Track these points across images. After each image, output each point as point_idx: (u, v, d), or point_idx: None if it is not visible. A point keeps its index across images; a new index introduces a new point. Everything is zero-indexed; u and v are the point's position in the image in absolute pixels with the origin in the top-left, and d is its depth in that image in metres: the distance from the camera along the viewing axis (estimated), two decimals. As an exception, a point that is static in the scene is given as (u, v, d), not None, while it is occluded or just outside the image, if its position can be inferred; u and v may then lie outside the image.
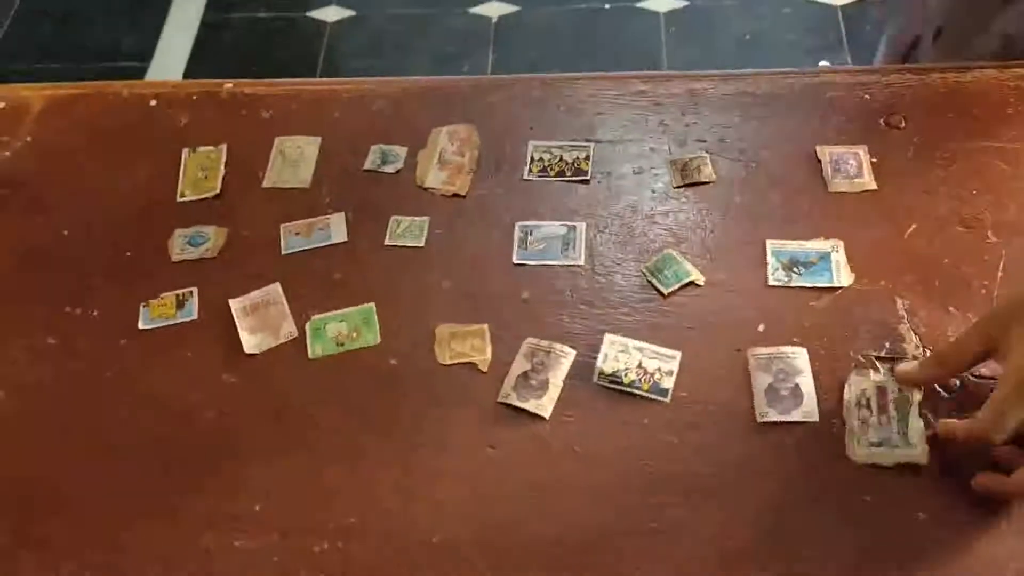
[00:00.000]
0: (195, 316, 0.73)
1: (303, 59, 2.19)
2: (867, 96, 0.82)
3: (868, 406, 0.65)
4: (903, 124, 0.80)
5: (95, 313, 0.74)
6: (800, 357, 0.67)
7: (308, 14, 2.29)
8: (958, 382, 0.66)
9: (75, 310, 0.74)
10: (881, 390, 0.65)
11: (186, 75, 2.17)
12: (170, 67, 2.20)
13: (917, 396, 0.65)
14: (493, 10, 2.24)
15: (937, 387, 0.66)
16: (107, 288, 0.75)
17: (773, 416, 0.65)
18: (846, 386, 0.66)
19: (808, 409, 0.65)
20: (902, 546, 0.60)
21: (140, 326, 0.73)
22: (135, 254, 0.77)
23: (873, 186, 0.76)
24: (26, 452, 0.68)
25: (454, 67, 2.10)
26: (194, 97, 0.88)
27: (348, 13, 2.28)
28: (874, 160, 0.77)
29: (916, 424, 0.64)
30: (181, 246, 0.77)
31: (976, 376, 0.66)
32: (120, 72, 2.21)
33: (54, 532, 0.64)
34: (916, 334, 0.68)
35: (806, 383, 0.66)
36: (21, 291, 0.76)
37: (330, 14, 2.28)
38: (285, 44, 2.26)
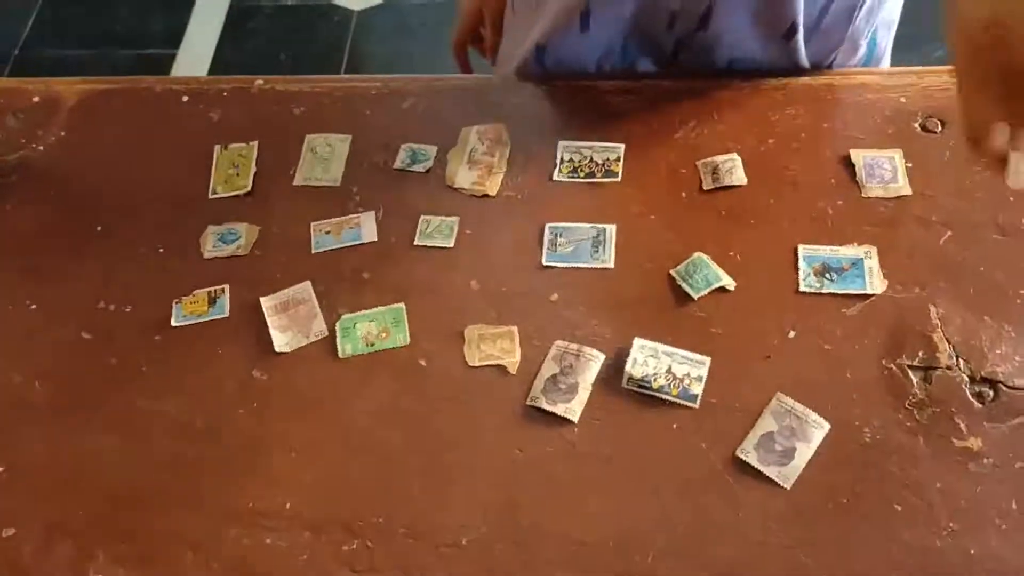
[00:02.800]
0: (227, 313, 0.74)
1: (330, 46, 2.19)
2: (903, 99, 0.81)
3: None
4: (939, 128, 0.79)
5: (128, 309, 0.75)
6: (818, 429, 0.65)
7: (335, 2, 2.29)
8: (992, 392, 0.65)
9: (109, 306, 0.75)
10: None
11: (214, 62, 2.18)
12: (199, 53, 2.21)
13: None
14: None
15: (970, 396, 0.65)
16: (140, 284, 0.76)
17: (752, 460, 0.64)
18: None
19: (787, 474, 0.63)
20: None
21: (172, 323, 0.74)
22: (167, 250, 0.78)
23: (908, 191, 0.75)
24: (60, 442, 0.69)
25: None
26: (225, 93, 0.88)
27: (375, 1, 2.27)
28: (909, 164, 0.76)
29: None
30: (213, 243, 0.78)
31: (1010, 386, 0.65)
32: (148, 59, 2.22)
33: (87, 520, 0.65)
34: (950, 343, 0.68)
35: (803, 455, 0.64)
36: (56, 286, 0.77)
37: (357, 2, 2.28)
38: (312, 31, 2.26)
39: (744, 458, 0.64)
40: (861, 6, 0.81)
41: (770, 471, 0.63)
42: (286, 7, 2.32)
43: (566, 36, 0.85)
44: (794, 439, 0.65)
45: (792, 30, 0.81)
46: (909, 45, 2.14)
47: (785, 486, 0.63)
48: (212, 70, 2.16)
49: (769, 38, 0.82)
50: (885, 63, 0.93)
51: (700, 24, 0.81)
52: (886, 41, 0.91)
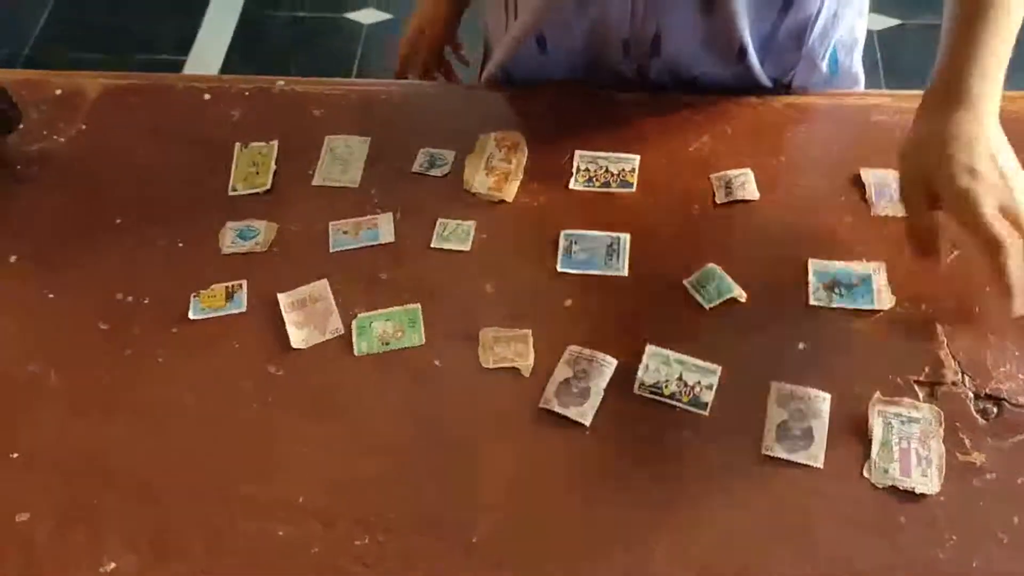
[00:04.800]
0: (244, 308, 0.75)
1: (340, 59, 2.21)
2: (908, 121, 0.82)
3: (891, 432, 0.65)
4: (948, 151, 0.80)
5: (146, 301, 0.76)
6: (823, 401, 0.67)
7: (346, 15, 2.31)
8: (996, 409, 0.67)
9: (127, 298, 0.76)
10: (909, 420, 0.66)
11: (223, 70, 2.20)
12: (208, 61, 2.22)
13: (940, 430, 0.66)
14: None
15: (974, 412, 0.67)
16: (159, 277, 0.77)
17: (779, 452, 0.66)
18: (871, 408, 0.67)
19: (815, 453, 0.65)
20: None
21: (190, 316, 0.74)
22: (186, 245, 0.79)
23: (917, 211, 0.76)
24: (77, 431, 0.69)
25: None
26: (247, 93, 0.90)
27: (384, 16, 2.30)
28: (918, 185, 0.78)
29: (938, 450, 0.65)
30: (232, 239, 0.79)
31: (1014, 403, 0.67)
32: (158, 64, 2.24)
33: (101, 507, 0.65)
34: (956, 360, 0.69)
35: (820, 428, 0.66)
36: (74, 277, 0.78)
37: (367, 16, 2.31)
38: (322, 43, 2.28)
39: (772, 454, 0.65)
40: (813, 26, 0.84)
41: (799, 456, 0.65)
42: (296, 18, 2.34)
43: (526, 57, 0.88)
44: (806, 419, 0.66)
45: (742, 52, 0.83)
46: (911, 80, 2.17)
47: (818, 465, 0.65)
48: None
49: (724, 61, 0.84)
50: (861, 86, 0.96)
51: (652, 50, 0.84)
52: (849, 61, 0.93)
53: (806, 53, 0.86)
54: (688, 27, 0.82)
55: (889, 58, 2.12)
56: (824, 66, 0.89)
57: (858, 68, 0.94)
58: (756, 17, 0.81)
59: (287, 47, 2.26)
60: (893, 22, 2.19)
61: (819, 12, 0.83)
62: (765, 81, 0.86)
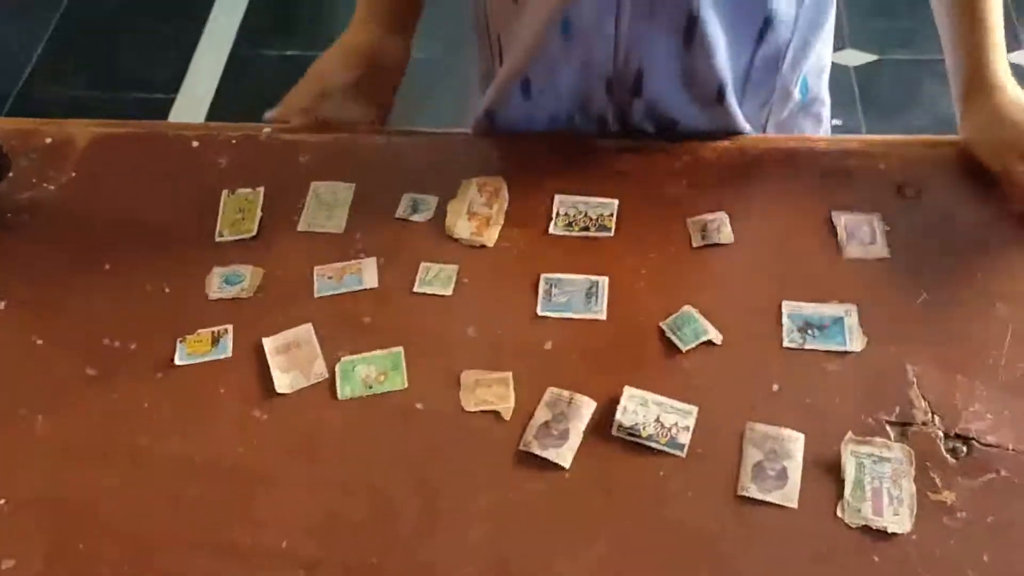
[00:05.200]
0: (229, 353, 0.76)
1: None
2: (882, 165, 0.85)
3: (863, 472, 0.67)
4: (916, 194, 0.83)
5: (133, 347, 0.77)
6: (795, 442, 0.69)
7: (334, 53, 2.34)
8: (965, 448, 0.68)
9: (114, 343, 0.77)
10: (880, 459, 0.68)
11: (212, 107, 2.22)
12: (198, 98, 2.25)
13: (911, 469, 0.67)
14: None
15: (944, 452, 0.68)
16: (145, 322, 0.78)
17: (755, 493, 0.67)
18: (843, 448, 0.68)
19: (789, 494, 0.67)
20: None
21: (176, 361, 0.76)
22: (173, 290, 0.80)
23: (886, 254, 0.79)
24: (64, 477, 0.70)
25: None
26: (234, 140, 0.91)
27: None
28: (888, 228, 0.80)
29: (909, 490, 0.66)
30: (218, 284, 0.80)
31: (983, 443, 0.68)
32: (148, 102, 2.26)
33: (87, 554, 0.66)
34: (925, 400, 0.71)
35: (794, 469, 0.68)
36: (63, 323, 0.79)
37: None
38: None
39: (747, 494, 0.67)
40: (784, 56, 0.87)
41: (774, 497, 0.66)
42: (285, 56, 2.37)
43: (511, 103, 0.90)
44: (780, 459, 0.68)
45: (721, 93, 0.86)
46: (888, 115, 2.22)
47: (792, 505, 0.66)
48: (210, 115, 2.20)
49: (703, 102, 0.87)
50: (826, 109, 0.99)
51: (635, 89, 0.86)
52: (819, 86, 0.97)
53: (780, 83, 0.89)
54: (669, 63, 0.84)
55: (866, 92, 2.16)
56: (796, 93, 0.93)
57: (825, 93, 0.99)
58: (733, 52, 0.84)
59: (277, 85, 2.29)
60: (871, 57, 2.23)
61: (790, 41, 0.86)
62: (743, 123, 0.89)
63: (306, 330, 0.77)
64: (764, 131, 0.93)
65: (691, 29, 0.81)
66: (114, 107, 2.23)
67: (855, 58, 2.23)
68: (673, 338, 0.75)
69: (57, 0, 2.53)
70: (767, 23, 0.83)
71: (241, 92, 2.26)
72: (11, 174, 0.86)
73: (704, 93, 0.86)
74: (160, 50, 2.39)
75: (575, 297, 0.78)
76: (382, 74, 0.94)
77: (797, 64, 0.89)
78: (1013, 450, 0.68)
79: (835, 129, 1.03)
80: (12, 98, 2.28)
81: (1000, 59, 0.83)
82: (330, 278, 0.81)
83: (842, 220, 0.81)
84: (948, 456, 0.68)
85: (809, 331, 0.75)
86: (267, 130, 0.92)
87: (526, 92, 0.89)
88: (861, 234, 0.80)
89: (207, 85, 2.28)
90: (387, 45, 0.94)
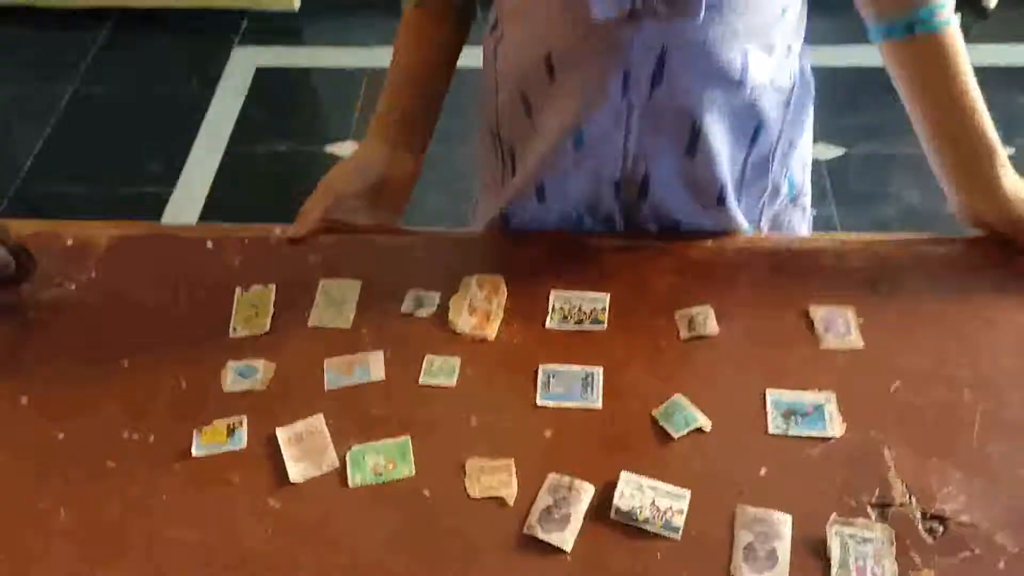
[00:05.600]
0: (244, 444, 0.80)
1: (319, 191, 2.31)
2: (855, 263, 0.92)
3: (848, 552, 0.71)
4: (886, 288, 0.89)
5: (152, 439, 0.81)
6: (784, 524, 0.73)
7: (326, 149, 2.43)
8: (942, 528, 0.73)
9: (132, 435, 0.81)
10: (863, 540, 0.72)
11: (208, 201, 2.29)
12: (194, 194, 2.32)
13: (892, 549, 0.71)
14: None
15: (922, 531, 0.73)
16: (163, 415, 0.82)
17: (747, 574, 0.70)
18: (829, 529, 0.72)
19: (779, 574, 0.70)
20: None
21: (193, 452, 0.79)
22: (190, 384, 0.85)
23: (860, 345, 0.84)
24: (85, 570, 0.73)
25: (465, 202, 2.23)
26: (246, 241, 0.97)
27: (364, 149, 2.42)
28: (861, 320, 0.86)
29: (892, 568, 0.70)
30: (233, 378, 0.85)
31: (958, 522, 0.73)
32: (145, 197, 2.32)
33: (107, 647, 0.69)
34: (902, 482, 0.75)
35: (783, 550, 0.71)
36: (83, 416, 0.82)
37: (347, 149, 2.43)
38: (304, 177, 2.38)
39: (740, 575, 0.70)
40: (773, 156, 0.95)
41: None
42: (279, 152, 2.46)
43: (526, 206, 0.98)
44: (770, 540, 0.72)
45: (722, 195, 0.93)
46: (859, 205, 2.32)
47: None
48: (205, 210, 2.27)
49: (705, 204, 0.95)
50: (807, 197, 1.08)
51: (641, 193, 0.94)
52: (802, 177, 1.05)
53: (772, 179, 0.97)
54: (674, 170, 0.92)
55: (837, 184, 2.27)
56: (784, 188, 1.01)
57: (808, 186, 1.07)
58: (730, 154, 0.92)
59: (270, 180, 2.37)
60: (839, 151, 2.35)
61: (778, 140, 0.94)
62: (741, 221, 0.97)
63: (317, 421, 0.81)
64: (759, 226, 1.01)
65: (694, 140, 0.89)
66: (112, 202, 2.29)
67: (825, 152, 2.34)
68: (665, 425, 0.80)
69: (56, 99, 2.62)
70: (758, 128, 0.91)
71: (236, 188, 2.33)
72: (35, 274, 0.91)
73: (706, 196, 0.94)
74: (158, 148, 2.47)
75: (572, 387, 0.83)
76: (391, 190, 0.98)
77: (784, 161, 0.98)
78: (986, 529, 0.72)
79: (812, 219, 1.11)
80: (13, 193, 2.34)
81: (991, 137, 0.89)
82: (340, 371, 0.85)
83: (819, 313, 0.87)
84: (926, 535, 0.72)
85: (792, 418, 0.80)
86: (278, 231, 0.98)
87: (541, 197, 0.96)
88: (837, 326, 0.85)
89: (203, 181, 2.35)
90: (398, 162, 0.98)
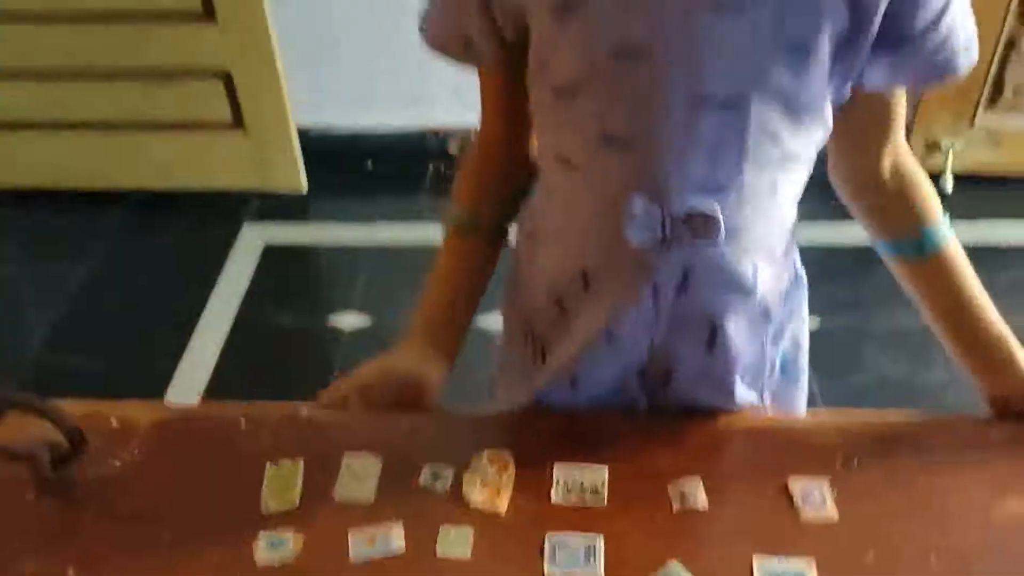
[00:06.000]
0: (277, 615, 0.86)
1: (321, 365, 2.42)
2: (830, 439, 1.02)
3: None
4: (856, 462, 0.99)
5: (191, 609, 0.87)
6: None
7: (329, 323, 2.56)
8: None
9: (173, 605, 0.87)
10: None
11: (214, 375, 2.39)
12: (199, 369, 2.41)
13: None
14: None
15: None
16: (201, 586, 0.89)
17: None
18: None
19: None
20: None
21: (230, 621, 0.86)
22: (224, 556, 0.92)
23: (835, 516, 0.93)
24: None
25: (464, 371, 2.34)
26: (276, 419, 1.06)
27: (364, 323, 2.55)
28: (836, 493, 0.96)
29: None
30: (264, 550, 0.92)
31: None
32: (151, 372, 2.42)
33: None
34: (881, 644, 0.83)
35: None
36: (125, 587, 0.89)
37: (348, 321, 2.55)
38: (304, 351, 2.51)
39: None
40: (774, 342, 1.07)
41: None
42: (281, 326, 2.58)
43: (558, 393, 1.09)
44: None
45: (731, 386, 1.05)
46: (835, 376, 2.43)
47: None
48: (211, 384, 2.36)
49: (720, 390, 1.05)
50: (804, 380, 1.19)
51: (664, 382, 1.05)
52: (804, 361, 1.17)
53: (769, 362, 1.09)
54: (694, 363, 1.03)
55: (815, 355, 2.39)
56: (777, 371, 1.12)
57: (806, 367, 1.19)
58: (743, 347, 1.03)
59: (273, 354, 2.48)
60: (815, 321, 2.49)
61: (778, 329, 1.07)
62: (752, 401, 1.07)
63: (343, 591, 0.88)
64: (762, 402, 1.11)
65: (713, 337, 1.01)
66: (120, 377, 2.38)
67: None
68: (663, 591, 0.87)
69: (65, 280, 2.76)
70: (765, 319, 1.04)
71: (240, 362, 2.44)
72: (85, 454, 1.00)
73: (722, 385, 1.05)
74: (164, 324, 2.58)
75: (576, 556, 0.91)
76: (417, 393, 1.06)
77: (777, 343, 1.09)
78: None
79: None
80: (24, 369, 2.43)
81: (998, 316, 1.02)
82: (363, 542, 0.93)
83: (797, 486, 0.96)
84: None
85: (777, 584, 0.88)
86: (304, 411, 1.07)
87: (573, 384, 1.08)
88: (813, 498, 0.95)
89: (208, 356, 2.46)
90: (428, 368, 1.06)
